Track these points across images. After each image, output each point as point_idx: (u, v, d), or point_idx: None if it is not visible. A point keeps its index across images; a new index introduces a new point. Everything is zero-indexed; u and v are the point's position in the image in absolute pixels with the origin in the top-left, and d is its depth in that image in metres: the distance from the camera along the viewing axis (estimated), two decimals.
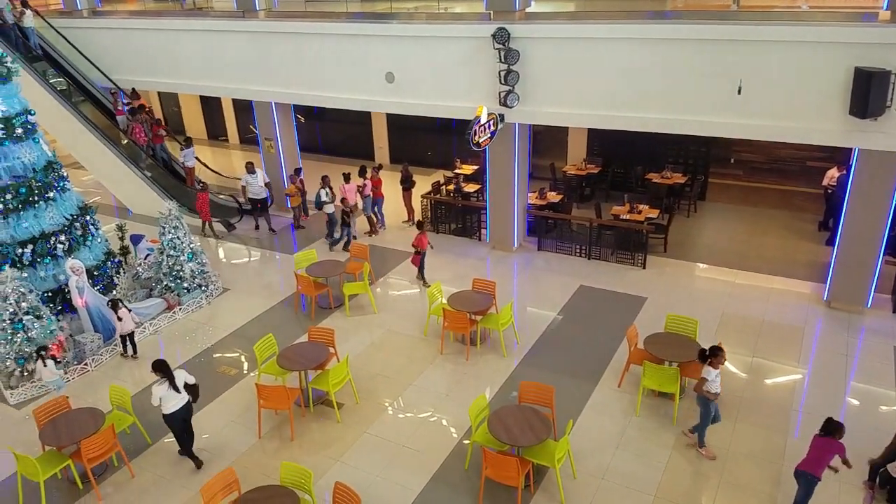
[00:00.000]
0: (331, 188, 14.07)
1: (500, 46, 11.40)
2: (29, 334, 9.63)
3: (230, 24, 14.61)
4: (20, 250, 10.43)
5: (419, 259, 12.12)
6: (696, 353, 8.18)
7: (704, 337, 9.58)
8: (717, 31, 10.07)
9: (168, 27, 15.52)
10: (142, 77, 16.41)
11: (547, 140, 16.99)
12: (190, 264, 11.79)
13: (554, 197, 14.34)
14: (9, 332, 9.49)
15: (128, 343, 10.54)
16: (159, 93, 22.50)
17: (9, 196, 10.31)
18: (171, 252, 11.61)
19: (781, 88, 9.90)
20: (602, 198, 15.23)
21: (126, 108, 16.14)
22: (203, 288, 12.06)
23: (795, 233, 13.67)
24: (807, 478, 6.63)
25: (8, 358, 9.54)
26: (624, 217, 13.12)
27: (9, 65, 10.65)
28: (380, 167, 14.91)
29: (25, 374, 9.66)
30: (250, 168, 14.83)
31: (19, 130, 10.56)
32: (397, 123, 18.59)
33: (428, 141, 18.62)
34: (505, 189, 13.05)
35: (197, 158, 16.48)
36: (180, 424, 8.02)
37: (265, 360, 9.34)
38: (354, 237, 13.92)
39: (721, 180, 16.02)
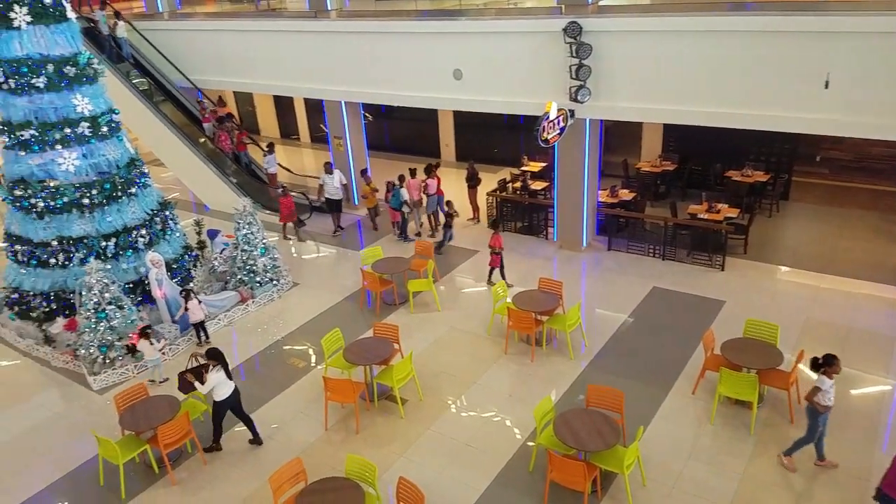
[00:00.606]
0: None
1: (572, 41, 11.15)
2: (111, 323, 10.09)
3: (302, 25, 14.91)
4: (104, 243, 10.95)
5: (499, 260, 11.84)
6: (777, 359, 7.73)
7: (786, 343, 9.07)
8: (802, 22, 9.50)
9: (243, 28, 16.00)
10: (218, 77, 16.98)
11: (619, 136, 16.54)
12: (262, 259, 12.09)
13: (626, 195, 13.95)
14: (93, 320, 9.97)
15: (200, 332, 10.90)
16: (235, 93, 23.24)
17: (94, 191, 10.84)
18: (246, 247, 11.93)
19: (875, 81, 9.24)
20: (678, 196, 14.70)
21: (212, 115, 16.74)
22: (274, 282, 12.35)
23: (886, 235, 12.78)
24: (889, 501, 6.12)
25: (91, 345, 10.02)
26: (701, 216, 12.61)
27: (95, 66, 11.18)
28: (437, 165, 14.80)
29: (107, 361, 10.12)
30: (328, 168, 14.88)
31: (104, 129, 11.08)
32: (464, 121, 18.54)
33: (494, 138, 18.48)
34: (574, 186, 12.77)
35: (279, 164, 16.76)
36: (225, 412, 8.31)
37: (332, 354, 9.46)
38: (450, 238, 13.50)
39: (806, 179, 15.16)
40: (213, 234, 13.35)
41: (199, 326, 10.89)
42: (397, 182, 14.06)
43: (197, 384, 8.16)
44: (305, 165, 19.89)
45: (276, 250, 12.56)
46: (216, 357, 8.15)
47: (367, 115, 18.14)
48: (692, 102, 10.80)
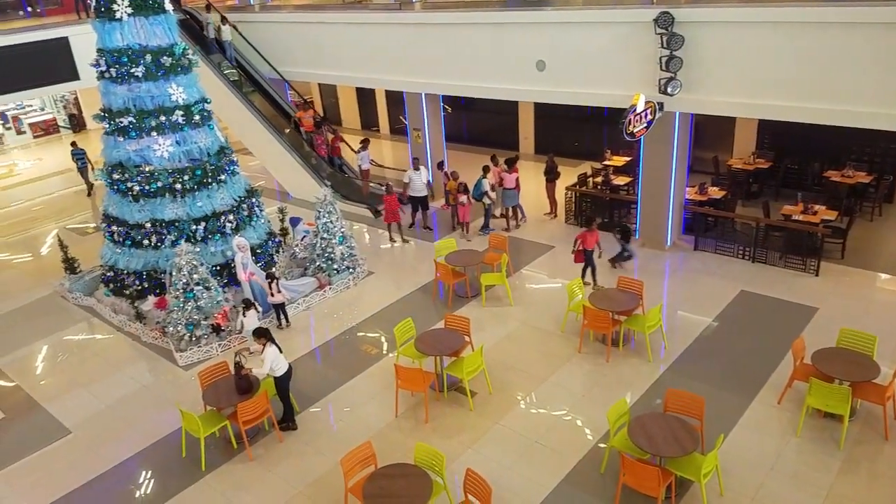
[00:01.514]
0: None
1: (663, 31, 10.73)
2: (198, 303, 10.54)
3: (387, 17, 15.05)
4: (194, 227, 11.45)
5: (582, 257, 11.45)
6: (873, 372, 7.15)
7: (884, 356, 8.44)
8: None
9: (329, 20, 16.29)
10: (305, 69, 17.42)
11: (710, 131, 15.81)
12: (340, 247, 12.34)
13: (716, 193, 13.35)
14: (181, 300, 10.45)
15: (281, 315, 11.24)
16: (320, 85, 23.82)
17: (186, 177, 11.34)
18: (325, 235, 12.21)
19: None
20: (771, 195, 13.95)
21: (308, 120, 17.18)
22: (351, 270, 12.58)
23: None
24: None
25: (179, 323, 10.52)
26: (796, 218, 11.90)
27: (189, 57, 11.67)
28: (516, 158, 14.56)
29: (193, 339, 10.60)
30: (416, 164, 14.71)
31: (197, 117, 11.56)
32: (544, 112, 18.25)
33: (576, 131, 18.11)
34: (660, 182, 12.32)
35: (372, 161, 16.87)
36: (288, 385, 8.58)
37: (404, 343, 9.53)
38: (630, 256, 12.15)
39: None
40: (295, 221, 13.75)
41: (280, 309, 11.22)
42: (482, 173, 13.91)
43: (255, 371, 8.37)
44: (384, 157, 20.13)
45: (353, 239, 12.77)
46: (265, 335, 8.41)
47: (446, 107, 18.18)
48: (793, 98, 10.15)
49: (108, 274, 12.14)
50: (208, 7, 17.71)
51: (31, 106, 25.97)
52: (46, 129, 26.02)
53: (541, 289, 11.99)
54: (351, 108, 24.17)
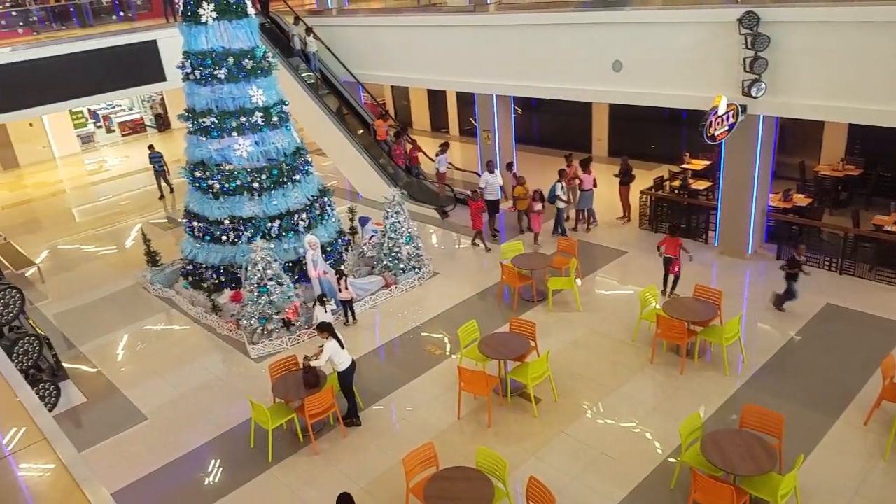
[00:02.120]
0: (567, 183, 13.54)
1: (748, 32, 10.28)
2: (271, 298, 10.83)
3: (460, 19, 15.06)
4: (269, 224, 11.78)
5: (678, 266, 10.99)
6: None
7: None
8: None
9: (404, 23, 16.47)
10: (378, 72, 17.66)
11: (796, 135, 15.02)
12: (407, 247, 12.42)
13: (801, 200, 12.69)
14: (255, 294, 10.76)
15: (348, 311, 11.40)
16: (392, 87, 24.11)
17: (264, 176, 11.68)
18: (392, 234, 12.32)
19: None
20: (862, 204, 13.12)
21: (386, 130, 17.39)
22: (416, 270, 12.64)
23: None
24: None
25: (252, 317, 10.83)
26: (888, 228, 11.14)
27: (270, 60, 12.01)
28: (588, 160, 14.23)
29: (265, 332, 10.89)
30: (490, 167, 14.46)
31: (275, 119, 11.89)
32: (619, 114, 17.82)
33: (652, 133, 17.60)
34: (742, 188, 11.80)
35: (450, 164, 16.83)
36: (351, 380, 8.67)
37: (468, 345, 9.47)
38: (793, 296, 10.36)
39: None
40: (364, 220, 13.94)
41: (348, 306, 11.39)
42: (557, 176, 13.63)
43: (314, 361, 8.50)
44: (453, 158, 20.11)
45: (420, 239, 12.83)
46: (327, 329, 8.53)
47: (517, 108, 18.02)
48: (886, 101, 9.52)
49: (188, 267, 12.64)
50: (296, 20, 18.04)
51: (120, 106, 27.43)
52: (134, 128, 27.45)
53: (611, 295, 11.69)
54: (422, 109, 24.36)
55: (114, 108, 27.19)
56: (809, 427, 7.93)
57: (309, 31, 17.60)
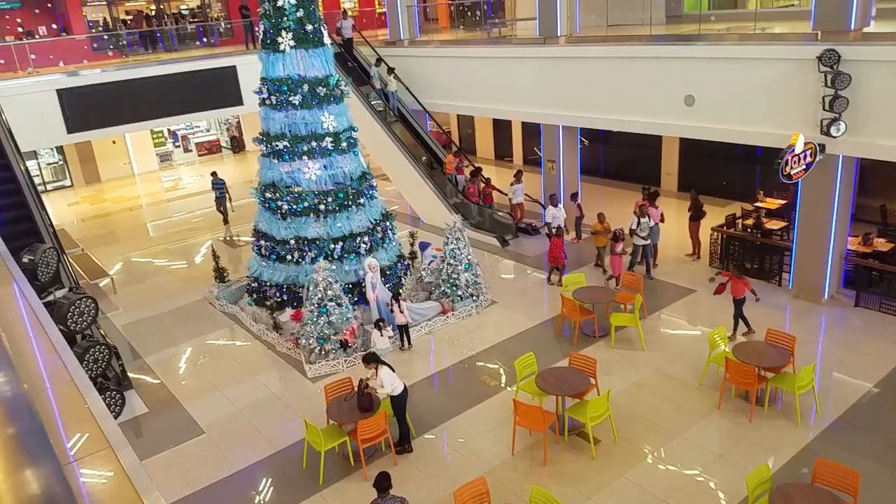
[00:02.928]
0: (650, 217, 12.93)
1: (827, 69, 9.92)
2: (330, 318, 10.94)
3: (531, 51, 15.12)
4: (332, 246, 11.96)
5: (724, 289, 10.67)
6: None
7: None
8: None
9: (473, 55, 16.67)
10: (446, 100, 17.88)
11: (878, 177, 14.29)
12: (466, 274, 12.36)
13: (883, 244, 12.01)
14: (315, 314, 10.90)
15: (404, 336, 11.39)
16: (458, 116, 24.36)
17: (330, 199, 11.91)
18: (451, 261, 12.30)
19: None
20: None
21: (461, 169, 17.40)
22: (474, 297, 12.55)
23: None
24: None
25: (311, 336, 10.95)
26: None
27: (342, 87, 12.33)
28: (656, 194, 13.87)
29: (322, 352, 10.99)
30: (554, 200, 14.32)
31: (344, 144, 12.16)
32: (690, 148, 17.42)
33: (725, 169, 17.10)
34: (819, 229, 11.27)
35: (526, 195, 16.63)
36: (405, 405, 8.63)
37: (524, 378, 9.28)
38: None
39: None
40: (424, 246, 14.00)
41: (404, 330, 11.39)
42: (636, 210, 13.08)
43: (379, 390, 8.49)
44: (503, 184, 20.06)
45: (479, 267, 12.75)
46: (373, 359, 8.54)
47: (583, 139, 17.88)
48: None
49: (253, 284, 12.94)
50: (378, 61, 18.33)
51: (198, 127, 28.69)
52: (210, 149, 28.62)
53: (678, 335, 11.28)
54: (486, 137, 24.48)
55: (192, 129, 28.44)
56: (888, 487, 7.38)
57: (390, 70, 17.85)
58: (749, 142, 12.17)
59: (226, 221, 18.84)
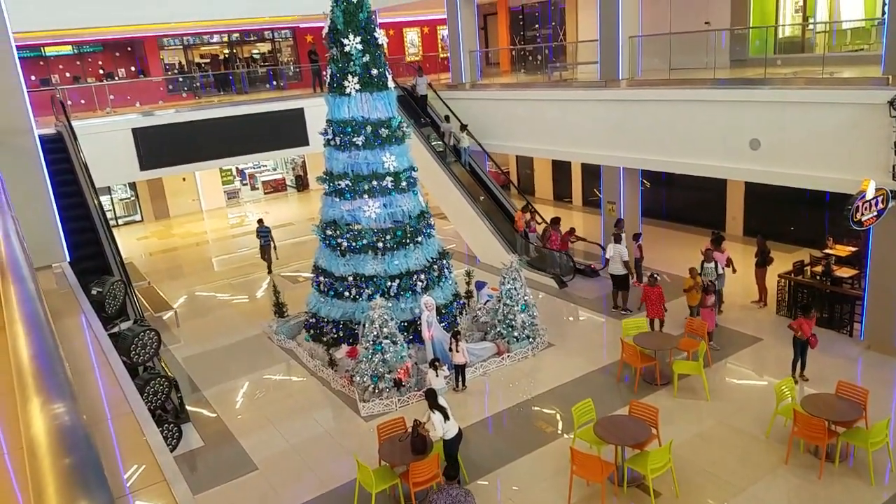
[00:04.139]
0: (716, 262, 12.49)
1: None
2: (385, 356, 10.94)
3: (592, 94, 15.13)
4: (389, 283, 12.06)
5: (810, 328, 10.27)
6: None
7: None
8: None
9: (533, 97, 16.81)
10: (506, 142, 18.02)
11: None
12: (522, 315, 12.20)
13: None
14: (370, 351, 10.93)
15: (460, 376, 11.27)
16: (517, 156, 24.46)
17: (388, 237, 12.07)
18: (508, 301, 12.18)
19: None
20: None
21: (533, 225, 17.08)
22: (530, 339, 12.35)
23: None
24: None
25: (366, 374, 10.97)
26: None
27: (404, 129, 12.59)
28: (721, 238, 13.41)
29: (376, 391, 10.97)
30: (617, 236, 13.92)
31: (404, 184, 12.35)
32: (756, 192, 16.89)
33: (792, 214, 16.50)
34: (892, 278, 10.69)
35: (584, 238, 15.96)
36: (456, 449, 8.50)
37: (581, 426, 9.00)
38: None
39: None
40: (480, 285, 13.93)
41: (460, 371, 11.28)
42: (703, 255, 12.74)
43: (431, 432, 8.38)
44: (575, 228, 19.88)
45: (536, 308, 12.57)
46: (430, 398, 8.47)
47: (644, 181, 17.60)
48: None
49: (311, 320, 13.13)
50: (447, 118, 18.59)
51: (265, 166, 29.76)
52: (276, 187, 29.58)
53: (743, 385, 10.78)
54: (545, 178, 24.44)
55: (259, 167, 29.53)
56: None
57: (463, 127, 17.91)
58: (817, 187, 11.74)
59: (270, 271, 18.24)
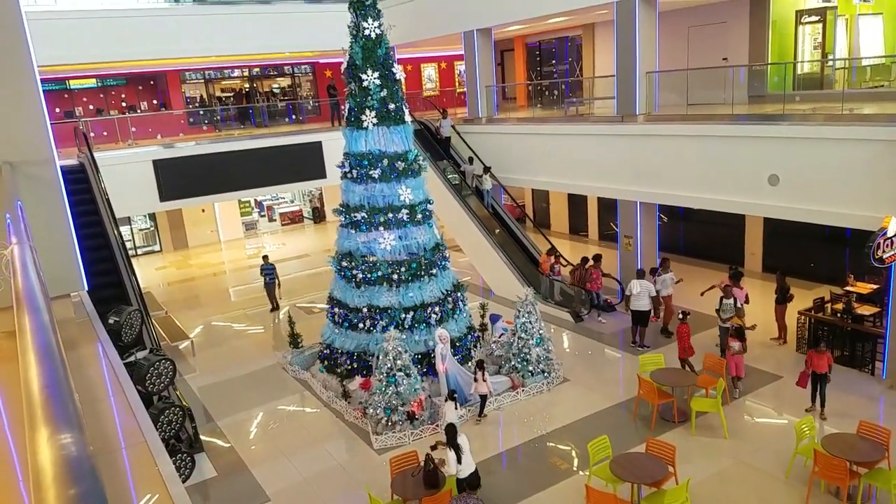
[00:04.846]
0: (734, 298, 12.14)
1: None
2: (398, 388, 10.88)
3: (609, 129, 15.20)
4: (403, 315, 12.04)
5: (807, 381, 10.19)
6: None
7: None
8: None
9: (550, 132, 16.94)
10: (522, 175, 18.10)
11: None
12: (537, 349, 12.10)
13: None
14: (384, 383, 10.87)
15: (483, 407, 11.20)
16: (532, 189, 24.53)
17: (402, 269, 12.09)
18: (522, 335, 12.10)
19: None
20: None
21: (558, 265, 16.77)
22: (545, 374, 12.22)
23: None
24: None
25: (379, 406, 10.90)
26: None
27: (420, 162, 12.71)
28: (741, 274, 13.25)
29: (389, 423, 10.88)
30: (640, 272, 13.80)
31: (419, 216, 12.43)
32: (776, 228, 16.76)
33: (812, 250, 16.32)
34: None
35: (605, 272, 15.48)
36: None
37: (598, 463, 8.83)
38: None
39: None
40: (494, 318, 13.86)
41: (483, 401, 11.21)
42: (721, 291, 12.51)
43: (448, 467, 8.29)
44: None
45: (551, 342, 12.46)
46: (450, 433, 8.40)
47: (662, 216, 17.56)
48: None
49: (325, 351, 13.12)
50: (471, 160, 18.70)
51: (283, 198, 30.12)
52: (293, 219, 29.87)
53: (762, 423, 10.56)
54: (561, 212, 24.45)
55: (277, 199, 29.89)
56: None
57: (486, 170, 17.93)
58: (837, 223, 11.61)
59: (273, 309, 17.72)
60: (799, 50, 16.80)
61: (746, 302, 12.78)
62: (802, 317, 12.70)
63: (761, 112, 14.18)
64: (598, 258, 15.77)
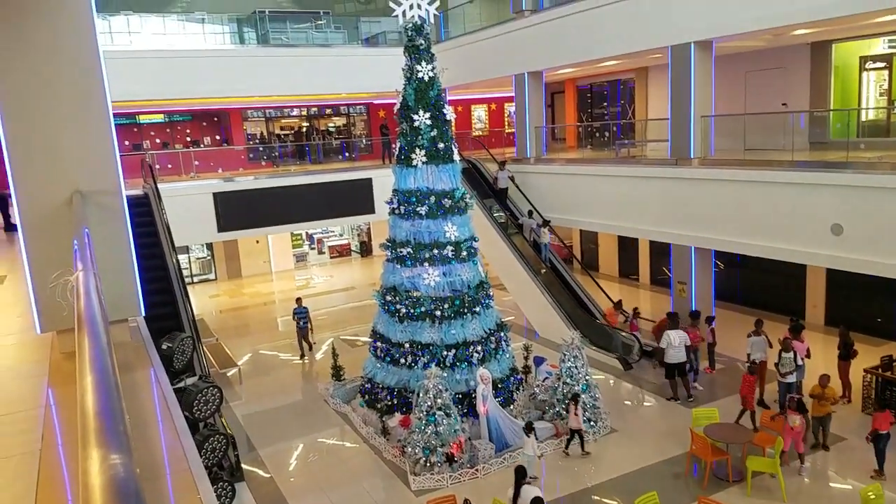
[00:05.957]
0: (794, 352, 11.58)
1: None
2: (438, 428, 10.69)
3: (662, 171, 14.97)
4: (445, 353, 11.94)
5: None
6: None
7: None
8: None
9: (601, 173, 16.78)
10: (570, 215, 17.96)
11: None
12: (583, 396, 11.76)
13: None
14: (423, 422, 10.71)
15: (571, 441, 11.11)
16: (580, 230, 24.29)
17: (446, 305, 12.04)
18: (568, 380, 11.80)
19: None
20: None
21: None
22: (592, 423, 11.84)
23: None
24: None
25: (417, 445, 10.72)
26: None
27: (467, 200, 12.76)
28: (802, 327, 12.67)
29: (427, 464, 10.67)
30: (672, 323, 13.15)
31: (464, 253, 12.41)
32: (839, 279, 16.05)
33: (879, 304, 15.54)
34: None
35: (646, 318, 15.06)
36: None
37: None
38: None
39: None
40: (539, 361, 13.59)
41: (578, 434, 11.08)
42: (781, 344, 11.90)
43: None
44: (641, 307, 19.32)
45: (598, 390, 12.11)
46: (521, 475, 8.33)
47: (718, 262, 17.06)
48: None
49: (366, 385, 13.07)
50: (530, 212, 18.63)
51: (333, 231, 30.66)
52: (341, 252, 30.32)
53: (824, 487, 9.92)
54: (611, 254, 24.05)
55: (327, 233, 30.46)
56: None
57: (545, 223, 17.66)
58: None
59: (303, 356, 16.98)
60: (863, 96, 16.32)
61: (807, 356, 12.20)
62: (868, 375, 12.03)
63: (823, 159, 13.77)
64: (695, 315, 14.12)
